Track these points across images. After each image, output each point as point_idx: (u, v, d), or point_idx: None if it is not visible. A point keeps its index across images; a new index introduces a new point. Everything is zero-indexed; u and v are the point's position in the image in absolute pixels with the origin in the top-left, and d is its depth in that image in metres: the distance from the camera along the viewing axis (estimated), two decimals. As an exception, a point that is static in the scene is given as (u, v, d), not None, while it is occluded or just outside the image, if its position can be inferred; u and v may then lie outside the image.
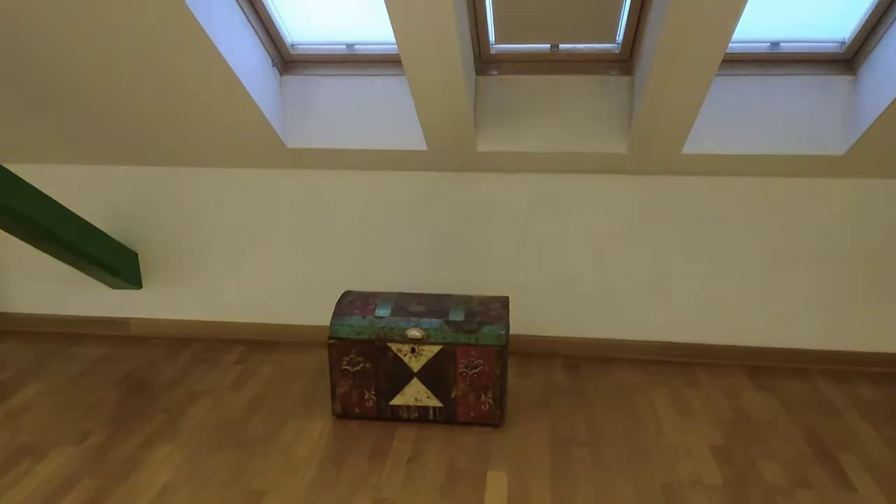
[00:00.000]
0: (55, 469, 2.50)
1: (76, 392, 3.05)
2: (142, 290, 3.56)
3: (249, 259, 3.44)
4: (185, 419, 2.82)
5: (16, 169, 2.76)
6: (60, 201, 2.96)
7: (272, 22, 2.82)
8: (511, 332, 2.84)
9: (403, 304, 2.76)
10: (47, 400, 2.99)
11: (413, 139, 2.90)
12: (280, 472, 2.48)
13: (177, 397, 2.99)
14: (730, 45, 2.35)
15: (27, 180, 2.79)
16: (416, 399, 2.71)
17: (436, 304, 2.80)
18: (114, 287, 3.50)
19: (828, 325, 3.18)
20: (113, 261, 3.31)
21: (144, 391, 3.06)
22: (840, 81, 2.77)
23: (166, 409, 2.90)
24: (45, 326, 3.67)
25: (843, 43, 2.72)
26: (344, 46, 2.94)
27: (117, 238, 3.39)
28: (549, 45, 2.83)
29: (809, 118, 2.79)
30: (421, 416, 2.73)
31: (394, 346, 2.68)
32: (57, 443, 2.66)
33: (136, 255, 3.48)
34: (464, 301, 2.85)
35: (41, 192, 2.85)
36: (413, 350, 2.66)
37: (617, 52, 2.81)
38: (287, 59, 3.02)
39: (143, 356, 3.39)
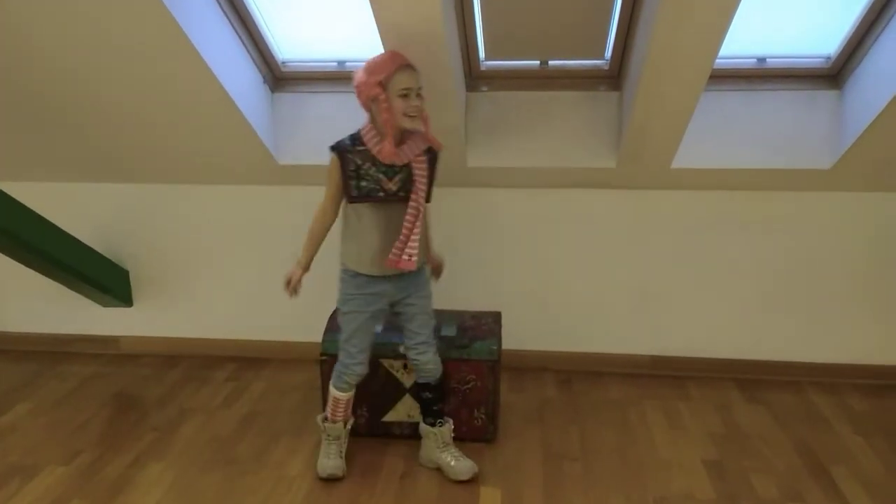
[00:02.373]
0: (44, 489, 2.48)
1: (66, 411, 3.02)
2: (132, 307, 3.53)
3: (240, 276, 3.43)
4: (175, 437, 2.80)
5: (5, 187, 2.74)
6: (50, 219, 2.95)
7: (263, 39, 2.84)
8: (503, 347, 2.83)
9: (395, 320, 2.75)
10: (36, 419, 2.96)
11: (404, 155, 2.91)
12: (272, 490, 2.46)
13: (167, 415, 2.97)
14: (717, 60, 2.37)
15: (17, 198, 2.78)
16: (408, 415, 2.70)
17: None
18: (104, 305, 3.48)
19: (818, 337, 3.19)
20: (103, 278, 3.30)
21: (134, 410, 3.04)
22: (826, 96, 2.80)
23: (157, 428, 2.88)
24: (34, 345, 3.64)
25: (829, 58, 2.75)
26: (335, 63, 2.95)
27: (108, 256, 3.37)
28: (538, 62, 2.85)
29: (796, 133, 2.82)
30: (413, 432, 2.71)
31: (385, 363, 2.67)
32: (46, 462, 2.64)
33: (126, 272, 3.47)
34: (456, 316, 2.85)
35: (31, 210, 2.85)
36: (405, 366, 2.65)
37: (606, 68, 2.83)
38: (278, 77, 3.03)
39: (134, 374, 3.37)
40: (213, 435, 2.82)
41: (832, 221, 3.05)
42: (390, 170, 2.26)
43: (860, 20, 2.56)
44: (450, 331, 2.73)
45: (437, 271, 2.58)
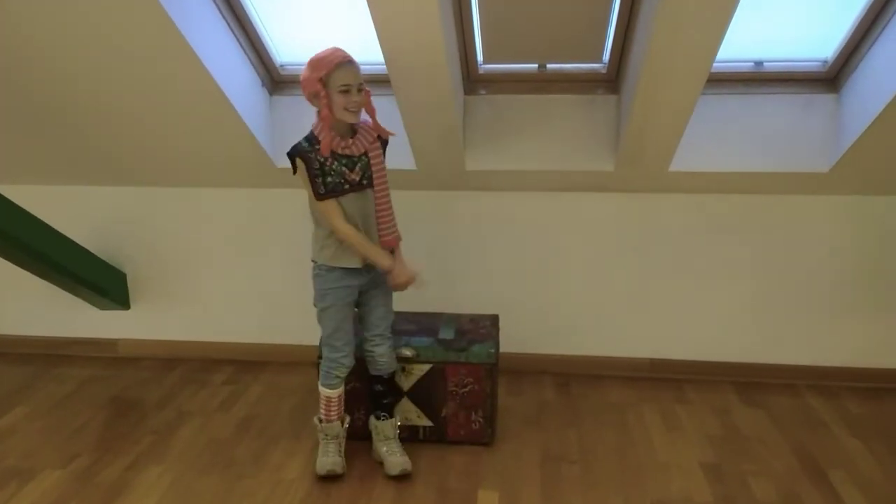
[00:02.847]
0: (42, 493, 2.47)
1: (63, 414, 3.02)
2: (130, 310, 3.53)
3: (238, 279, 3.43)
4: (173, 441, 2.80)
5: (2, 190, 2.74)
6: (48, 222, 2.94)
7: (261, 43, 2.84)
8: (501, 350, 2.83)
9: (393, 322, 2.75)
10: (34, 422, 2.96)
11: (403, 158, 2.91)
12: (270, 494, 2.46)
13: (165, 419, 2.97)
14: (714, 64, 2.37)
15: (14, 201, 2.78)
16: (405, 418, 2.70)
17: (426, 323, 2.80)
18: (102, 308, 3.48)
19: (815, 340, 3.19)
20: (101, 281, 3.29)
21: (132, 413, 3.03)
22: (823, 100, 2.81)
23: (154, 431, 2.87)
24: (31, 348, 3.63)
25: (826, 62, 2.76)
26: (333, 67, 2.95)
27: (105, 259, 3.37)
28: (536, 65, 2.85)
29: (793, 136, 2.82)
30: (411, 435, 2.71)
31: (384, 366, 2.67)
32: (43, 466, 2.63)
33: (124, 275, 3.47)
34: (454, 319, 2.85)
35: (29, 213, 2.84)
36: (403, 369, 2.65)
37: (603, 71, 2.83)
38: (276, 80, 3.03)
39: (131, 377, 3.37)
40: (210, 438, 2.82)
41: (830, 225, 3.06)
42: (350, 161, 2.34)
43: (857, 24, 2.56)
44: (448, 334, 2.73)
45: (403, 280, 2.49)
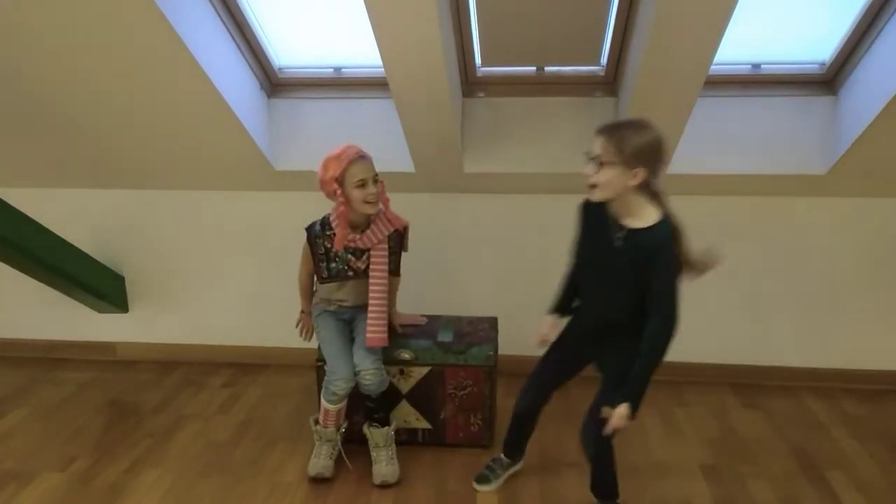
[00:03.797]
0: (40, 496, 2.47)
1: (61, 417, 3.01)
2: (128, 313, 3.53)
3: (237, 282, 3.43)
4: (171, 444, 2.80)
5: (1, 193, 2.75)
6: (46, 225, 2.94)
7: (260, 46, 2.84)
8: (500, 352, 2.83)
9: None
10: (32, 425, 2.95)
11: (401, 161, 2.92)
12: (268, 497, 2.45)
13: (163, 422, 2.97)
14: (712, 66, 2.38)
15: (13, 204, 2.78)
16: (404, 421, 2.70)
17: (424, 326, 2.80)
18: (100, 311, 3.48)
19: (813, 342, 3.19)
20: (99, 284, 3.29)
21: (131, 416, 3.03)
22: (821, 102, 2.81)
23: (153, 434, 2.87)
24: (30, 351, 3.63)
25: (824, 64, 2.77)
26: (331, 70, 2.96)
27: (103, 262, 3.37)
28: (534, 68, 2.86)
29: (791, 138, 2.82)
30: (410, 438, 2.71)
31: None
32: (42, 469, 2.63)
33: (122, 278, 3.47)
34: (452, 322, 2.85)
35: (26, 216, 2.84)
36: (402, 371, 2.65)
37: (601, 74, 2.84)
38: (275, 83, 3.03)
39: (130, 380, 3.36)
40: (209, 441, 2.81)
41: (827, 227, 3.06)
42: (358, 251, 2.49)
43: (854, 26, 2.57)
44: (446, 336, 2.73)
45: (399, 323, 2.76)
